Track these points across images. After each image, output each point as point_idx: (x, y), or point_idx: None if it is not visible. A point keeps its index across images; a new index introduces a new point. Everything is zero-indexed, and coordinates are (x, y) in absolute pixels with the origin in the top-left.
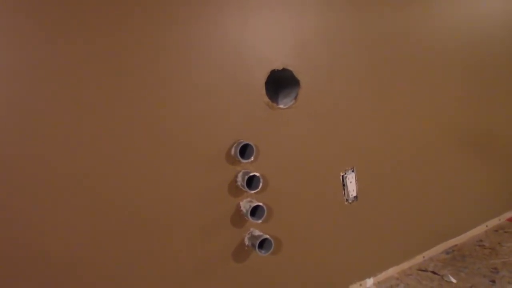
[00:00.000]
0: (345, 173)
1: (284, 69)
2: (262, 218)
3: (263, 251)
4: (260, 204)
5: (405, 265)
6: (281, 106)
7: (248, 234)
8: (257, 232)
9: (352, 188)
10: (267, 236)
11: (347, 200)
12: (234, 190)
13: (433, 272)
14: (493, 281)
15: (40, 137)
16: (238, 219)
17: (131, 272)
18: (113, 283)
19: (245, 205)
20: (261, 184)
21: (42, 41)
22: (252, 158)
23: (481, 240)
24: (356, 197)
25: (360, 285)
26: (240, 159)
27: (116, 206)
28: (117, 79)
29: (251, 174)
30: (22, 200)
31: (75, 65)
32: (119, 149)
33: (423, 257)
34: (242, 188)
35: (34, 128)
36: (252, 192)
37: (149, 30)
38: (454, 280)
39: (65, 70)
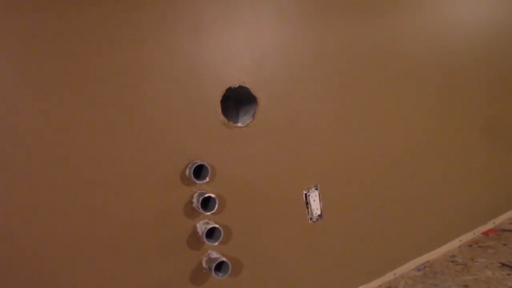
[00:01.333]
0: (308, 191)
1: (240, 87)
2: (219, 241)
3: (220, 274)
4: (216, 226)
5: (375, 283)
6: (239, 124)
7: (206, 256)
8: (214, 255)
9: (316, 206)
10: (224, 259)
11: (311, 218)
12: (190, 211)
13: None
14: None
15: None
16: (195, 241)
17: None
18: None
19: (201, 227)
20: (216, 205)
21: None
22: (207, 179)
23: (454, 256)
24: (320, 215)
25: None
26: (195, 180)
27: (69, 226)
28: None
29: (206, 196)
30: None
31: None
32: (70, 168)
33: (394, 274)
34: (197, 209)
35: None
36: (208, 213)
37: (102, 50)
38: None
39: None
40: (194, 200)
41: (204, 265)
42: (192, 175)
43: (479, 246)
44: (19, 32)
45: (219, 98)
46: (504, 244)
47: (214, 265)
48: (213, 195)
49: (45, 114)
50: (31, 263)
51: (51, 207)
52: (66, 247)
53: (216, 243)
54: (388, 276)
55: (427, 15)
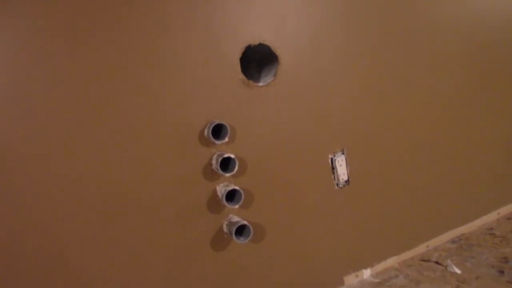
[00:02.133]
0: (334, 156)
1: (260, 44)
2: (239, 203)
3: (241, 238)
4: (237, 188)
5: (406, 255)
6: (260, 83)
7: (227, 220)
8: (235, 218)
9: (342, 171)
10: (245, 222)
11: (337, 184)
12: (210, 173)
13: (437, 263)
14: (502, 272)
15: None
16: (215, 204)
17: (106, 262)
18: (88, 273)
19: (221, 189)
20: (236, 167)
21: None
22: (227, 139)
23: (491, 229)
24: (347, 181)
25: (356, 276)
26: (214, 140)
27: (87, 194)
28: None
29: (226, 156)
30: None
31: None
32: (85, 133)
33: (427, 246)
34: (217, 171)
35: None
36: (228, 175)
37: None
38: (458, 271)
39: None
40: (213, 161)
41: (225, 229)
42: (210, 135)
43: None
44: None
45: (238, 56)
46: None
47: (235, 228)
48: (232, 156)
49: (60, 74)
50: (50, 227)
51: (68, 168)
52: (84, 211)
53: (237, 206)
54: (421, 248)
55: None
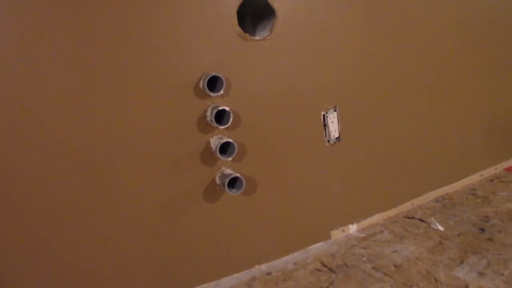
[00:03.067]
0: (327, 112)
1: None
2: (233, 156)
3: (233, 190)
4: (230, 140)
5: (391, 212)
6: (256, 37)
7: (219, 172)
8: (228, 171)
9: (334, 128)
10: (238, 175)
11: (328, 141)
12: (204, 126)
13: (420, 220)
14: (483, 229)
15: None
16: (208, 156)
17: (99, 209)
18: (83, 218)
19: (215, 141)
20: (231, 119)
21: None
22: (222, 92)
23: (474, 189)
24: (338, 138)
25: (343, 230)
26: (209, 92)
27: (81, 144)
28: None
29: (220, 108)
30: None
31: None
32: (79, 81)
33: (412, 204)
34: (211, 123)
35: None
36: (222, 127)
37: None
38: (441, 228)
39: None
40: (208, 113)
41: (218, 181)
42: (206, 87)
43: (501, 181)
44: None
45: (235, 8)
46: None
47: (227, 180)
48: (227, 108)
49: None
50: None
51: (66, 118)
52: (76, 158)
53: (230, 159)
54: (406, 206)
55: None
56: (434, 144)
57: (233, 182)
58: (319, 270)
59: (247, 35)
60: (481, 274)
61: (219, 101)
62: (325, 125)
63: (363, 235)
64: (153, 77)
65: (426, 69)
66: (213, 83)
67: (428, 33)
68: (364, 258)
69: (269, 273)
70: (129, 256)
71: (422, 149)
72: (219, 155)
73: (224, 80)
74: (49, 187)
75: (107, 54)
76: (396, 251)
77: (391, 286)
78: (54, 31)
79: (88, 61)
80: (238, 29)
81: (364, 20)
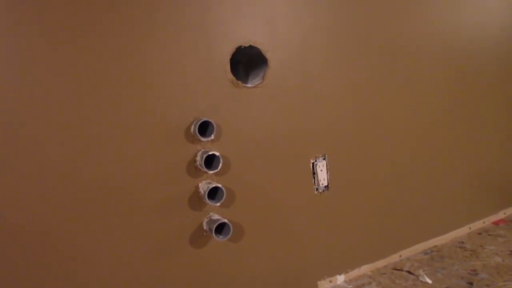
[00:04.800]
0: (316, 160)
1: (251, 47)
2: (221, 201)
3: (221, 236)
4: (219, 185)
5: (379, 264)
6: (248, 85)
7: (207, 218)
8: (215, 216)
9: (323, 176)
10: (225, 221)
11: (317, 189)
12: (194, 170)
13: (409, 272)
14: (471, 283)
15: None
16: (197, 201)
17: (81, 252)
18: (62, 263)
19: (204, 186)
20: (221, 164)
21: None
22: (213, 137)
23: (462, 242)
24: (327, 186)
25: (330, 281)
26: (200, 137)
27: (68, 182)
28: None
29: (210, 153)
30: None
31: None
32: (71, 120)
33: (400, 256)
34: (201, 168)
35: None
36: (211, 172)
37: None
38: (429, 281)
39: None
40: (198, 158)
41: (205, 226)
42: (197, 132)
43: (489, 235)
44: None
45: (228, 56)
46: None
47: (215, 226)
48: (217, 153)
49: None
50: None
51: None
52: (63, 201)
53: (218, 204)
54: (394, 258)
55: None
56: (423, 196)
57: (221, 228)
58: None
59: (239, 82)
60: None
61: (209, 146)
62: (314, 173)
63: (350, 286)
64: (144, 117)
65: (416, 122)
66: (204, 127)
67: (417, 86)
68: None
69: None
70: None
71: (411, 201)
72: (207, 200)
73: (215, 126)
74: (36, 227)
75: (103, 98)
76: None
77: None
78: (48, 69)
79: (85, 105)
80: (230, 76)
81: (355, 70)
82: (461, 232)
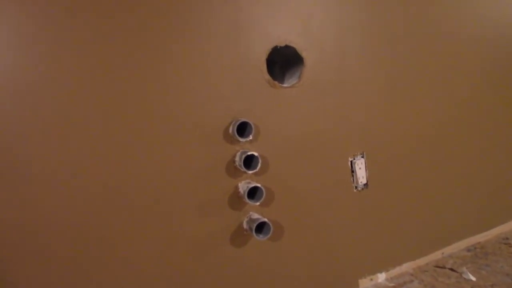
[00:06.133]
0: (354, 158)
1: (287, 46)
2: (261, 200)
3: (260, 236)
4: (258, 185)
5: (421, 261)
6: (285, 84)
7: (247, 217)
8: (255, 215)
9: (361, 174)
10: (266, 220)
11: (356, 187)
12: (233, 170)
13: (451, 269)
14: None
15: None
16: (236, 201)
17: (125, 250)
18: (111, 263)
19: (243, 186)
20: (259, 165)
21: None
22: (251, 137)
23: (507, 238)
24: (366, 184)
25: (371, 279)
26: (238, 137)
27: (111, 186)
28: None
29: (249, 154)
30: None
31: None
32: (113, 127)
33: (442, 253)
34: (240, 168)
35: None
36: (251, 172)
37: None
38: (473, 278)
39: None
40: (237, 158)
41: (245, 226)
42: (235, 133)
43: None
44: None
45: (264, 57)
46: None
47: (255, 225)
48: (256, 154)
49: (96, 70)
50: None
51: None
52: (106, 202)
53: (258, 203)
54: (436, 255)
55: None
56: (465, 192)
57: (261, 227)
58: None
59: (276, 82)
60: None
61: (248, 146)
62: (352, 171)
63: (392, 284)
64: (183, 120)
65: (456, 118)
66: (243, 128)
67: (459, 83)
68: None
69: None
70: None
71: (453, 197)
72: (247, 200)
73: (253, 126)
74: (80, 225)
75: (145, 101)
76: None
77: None
78: (90, 75)
79: (127, 108)
80: (267, 76)
81: (393, 65)
82: (506, 228)
